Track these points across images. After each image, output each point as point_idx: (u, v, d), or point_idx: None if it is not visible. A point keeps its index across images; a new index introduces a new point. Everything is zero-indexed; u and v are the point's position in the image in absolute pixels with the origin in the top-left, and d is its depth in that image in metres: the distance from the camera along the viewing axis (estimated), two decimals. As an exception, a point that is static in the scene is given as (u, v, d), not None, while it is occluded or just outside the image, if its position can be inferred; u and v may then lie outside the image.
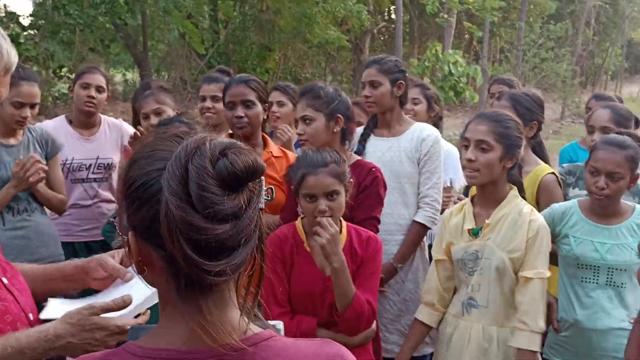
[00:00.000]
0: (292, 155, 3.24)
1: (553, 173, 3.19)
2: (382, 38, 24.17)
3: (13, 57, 1.55)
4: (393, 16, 22.38)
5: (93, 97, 3.82)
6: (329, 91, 2.96)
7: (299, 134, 3.00)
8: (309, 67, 19.86)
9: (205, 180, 0.98)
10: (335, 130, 2.95)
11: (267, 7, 17.62)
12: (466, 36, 25.05)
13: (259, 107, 3.14)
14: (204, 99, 3.94)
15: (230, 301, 1.08)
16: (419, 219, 3.33)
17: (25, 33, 11.79)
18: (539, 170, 3.15)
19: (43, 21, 11.85)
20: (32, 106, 3.33)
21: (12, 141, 3.35)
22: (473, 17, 18.34)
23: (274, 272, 2.48)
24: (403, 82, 3.42)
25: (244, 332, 1.07)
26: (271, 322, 1.48)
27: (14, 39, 10.33)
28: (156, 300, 1.60)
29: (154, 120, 3.45)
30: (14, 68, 1.59)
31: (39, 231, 3.37)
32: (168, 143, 1.06)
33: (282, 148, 3.34)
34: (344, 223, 2.62)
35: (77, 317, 1.55)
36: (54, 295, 1.83)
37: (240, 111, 3.09)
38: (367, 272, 2.56)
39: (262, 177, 1.06)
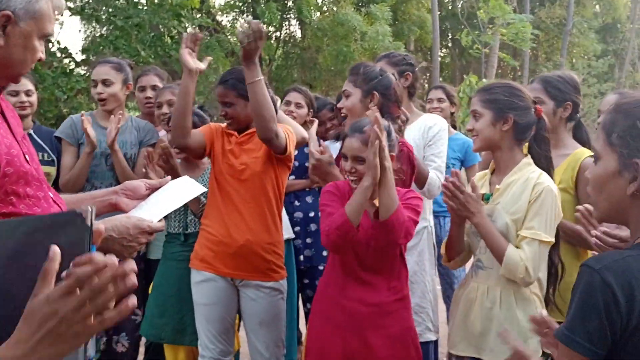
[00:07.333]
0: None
1: (593, 156, 3.12)
2: (424, 77, 24.38)
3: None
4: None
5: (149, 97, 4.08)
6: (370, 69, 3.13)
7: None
8: (350, 104, 20.11)
9: None
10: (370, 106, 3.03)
11: (308, 46, 18.09)
12: (511, 74, 25.06)
13: (241, 103, 3.19)
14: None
15: None
16: None
17: (78, 69, 12.25)
18: (578, 154, 3.01)
19: (94, 56, 12.37)
20: (104, 82, 3.68)
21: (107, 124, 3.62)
22: (516, 50, 18.42)
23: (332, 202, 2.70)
24: (410, 74, 3.58)
25: None
26: None
27: (67, 74, 10.80)
28: (174, 208, 1.91)
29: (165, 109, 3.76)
30: (62, 12, 1.77)
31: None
32: None
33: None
34: None
35: (117, 217, 1.80)
36: None
37: (223, 111, 3.24)
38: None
39: None
